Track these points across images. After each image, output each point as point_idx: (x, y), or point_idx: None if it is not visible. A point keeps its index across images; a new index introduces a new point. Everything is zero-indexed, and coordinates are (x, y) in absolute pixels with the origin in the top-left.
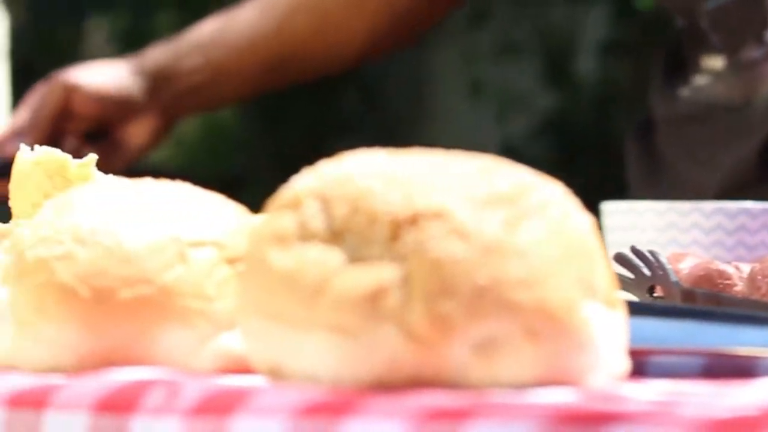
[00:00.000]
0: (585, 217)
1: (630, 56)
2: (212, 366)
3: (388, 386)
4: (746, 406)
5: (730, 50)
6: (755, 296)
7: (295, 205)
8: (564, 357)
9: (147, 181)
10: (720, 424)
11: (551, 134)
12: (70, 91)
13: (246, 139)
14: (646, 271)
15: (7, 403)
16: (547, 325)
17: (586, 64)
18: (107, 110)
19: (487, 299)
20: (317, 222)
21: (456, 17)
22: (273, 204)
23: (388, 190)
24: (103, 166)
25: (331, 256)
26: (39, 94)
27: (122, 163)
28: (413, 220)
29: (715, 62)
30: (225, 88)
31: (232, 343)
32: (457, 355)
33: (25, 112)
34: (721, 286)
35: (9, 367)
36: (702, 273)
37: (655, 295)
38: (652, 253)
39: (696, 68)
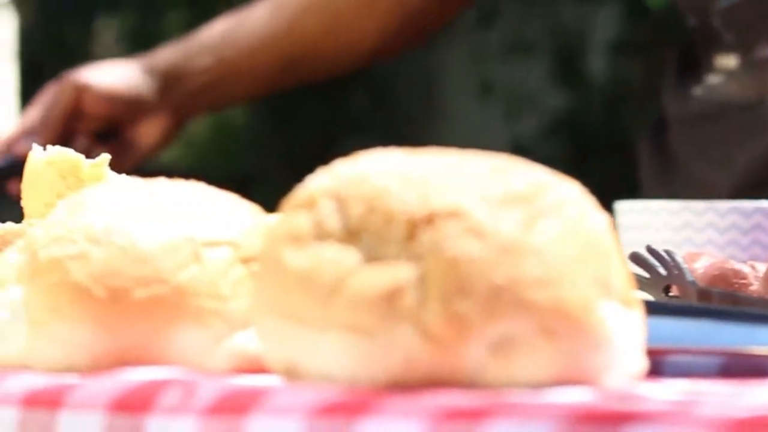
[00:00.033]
0: (601, 216)
1: (641, 55)
2: (227, 366)
3: (404, 386)
4: (765, 405)
5: (743, 49)
6: None
7: (310, 204)
8: (581, 356)
9: (161, 181)
10: (739, 424)
11: (561, 134)
12: (81, 90)
13: (256, 138)
14: (662, 271)
15: (21, 402)
16: (564, 325)
17: (597, 63)
18: (118, 110)
19: (503, 298)
20: (333, 221)
21: (465, 16)
22: (288, 204)
23: (404, 190)
24: (114, 166)
25: (347, 256)
26: (50, 94)
27: (133, 162)
28: (429, 220)
29: (728, 61)
30: (236, 88)
31: (247, 342)
32: (474, 354)
33: (35, 112)
34: (736, 285)
35: (22, 367)
36: (717, 272)
37: (670, 294)
38: (667, 252)
39: (709, 67)
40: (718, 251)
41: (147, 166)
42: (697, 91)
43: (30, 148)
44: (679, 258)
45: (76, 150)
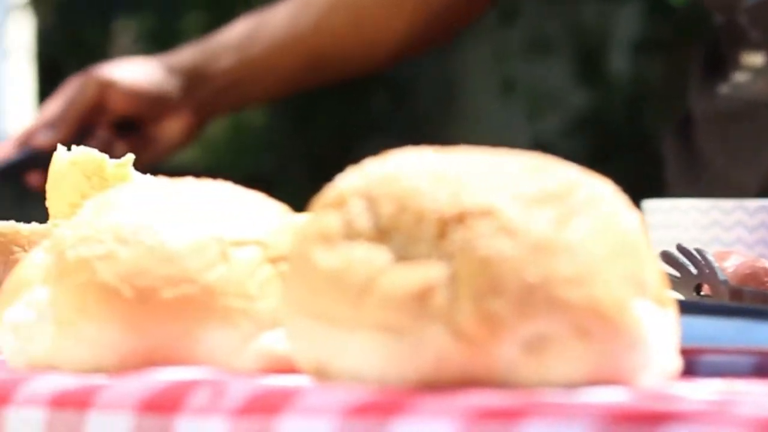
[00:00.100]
0: (634, 214)
1: (663, 53)
2: (255, 366)
3: (436, 386)
4: None
5: None
6: None
7: (340, 204)
8: (615, 356)
9: (187, 181)
10: None
11: (583, 132)
12: (105, 86)
13: (274, 139)
14: (693, 270)
15: (48, 403)
16: (598, 324)
17: (619, 62)
18: (141, 107)
19: (536, 297)
20: (363, 221)
21: (486, 15)
22: (317, 203)
23: (435, 189)
24: (134, 161)
25: (378, 255)
26: (73, 87)
27: (152, 159)
28: (461, 219)
29: (755, 59)
30: (259, 88)
31: (275, 342)
32: (506, 354)
33: (55, 104)
34: None
35: (49, 368)
36: (748, 271)
37: (702, 293)
38: (698, 251)
39: (735, 65)
40: (747, 250)
41: (165, 166)
42: (724, 89)
43: (49, 141)
44: (710, 257)
45: (97, 143)
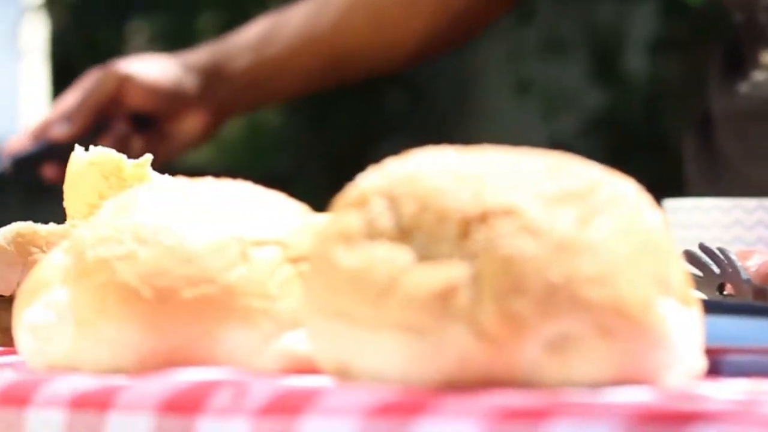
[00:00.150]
0: (657, 212)
1: (680, 52)
2: (275, 366)
3: (459, 386)
4: None
5: None
6: None
7: (361, 203)
8: (639, 355)
9: (207, 181)
10: None
11: (600, 132)
12: (123, 80)
13: (290, 139)
14: (716, 269)
15: (68, 404)
16: (622, 323)
17: (635, 61)
18: (158, 103)
19: (559, 297)
20: (385, 220)
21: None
22: (339, 202)
23: (457, 188)
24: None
25: (400, 255)
26: (90, 80)
27: (168, 156)
28: (483, 218)
29: None
30: (276, 87)
31: (296, 343)
32: (530, 353)
33: (73, 96)
34: None
35: (69, 368)
36: None
37: (725, 293)
38: (721, 250)
39: (755, 64)
40: None
41: (181, 166)
42: (743, 87)
43: (64, 133)
44: (733, 256)
45: (113, 138)
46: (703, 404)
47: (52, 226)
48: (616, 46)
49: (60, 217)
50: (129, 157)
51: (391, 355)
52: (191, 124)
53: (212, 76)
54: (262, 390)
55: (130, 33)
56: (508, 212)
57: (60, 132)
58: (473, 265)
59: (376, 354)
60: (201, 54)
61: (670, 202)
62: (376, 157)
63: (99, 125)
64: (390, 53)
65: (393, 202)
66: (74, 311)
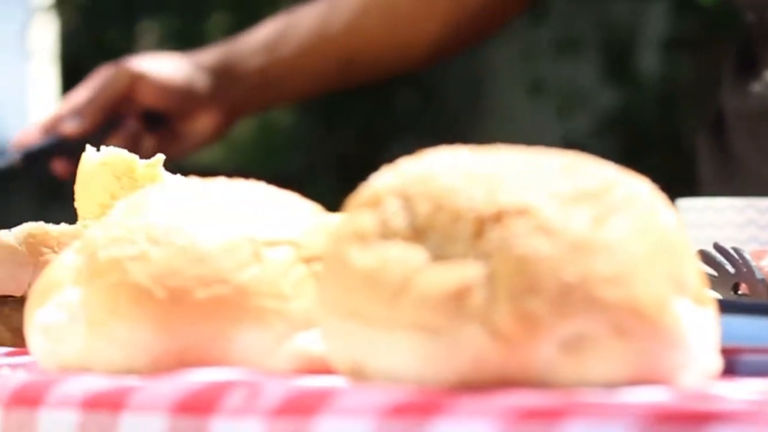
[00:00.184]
0: (671, 212)
1: (693, 52)
2: (288, 366)
3: (474, 386)
4: None
5: None
6: None
7: (375, 203)
8: (655, 355)
9: (219, 181)
10: None
11: (613, 132)
12: (135, 78)
13: (301, 139)
14: (730, 269)
15: (81, 405)
16: (637, 323)
17: (649, 60)
18: (170, 101)
19: (574, 297)
20: (399, 220)
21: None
22: (352, 202)
23: (471, 187)
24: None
25: (414, 255)
26: (102, 77)
27: (178, 154)
28: (497, 218)
29: None
30: (289, 87)
31: (309, 343)
32: (544, 353)
33: (84, 92)
34: None
35: (81, 369)
36: None
37: (739, 292)
38: (735, 249)
39: (767, 63)
40: None
41: (192, 166)
42: (756, 87)
43: (75, 129)
44: (747, 255)
45: (124, 135)
46: (719, 404)
47: (63, 227)
48: (629, 45)
49: (71, 216)
50: (140, 155)
51: (405, 355)
52: (202, 123)
53: (224, 76)
54: (275, 390)
55: (140, 34)
56: (522, 212)
57: (70, 127)
58: (488, 264)
59: (391, 354)
60: (213, 53)
61: (683, 202)
62: (388, 157)
63: (110, 122)
64: (403, 54)
65: (407, 201)
66: (86, 312)
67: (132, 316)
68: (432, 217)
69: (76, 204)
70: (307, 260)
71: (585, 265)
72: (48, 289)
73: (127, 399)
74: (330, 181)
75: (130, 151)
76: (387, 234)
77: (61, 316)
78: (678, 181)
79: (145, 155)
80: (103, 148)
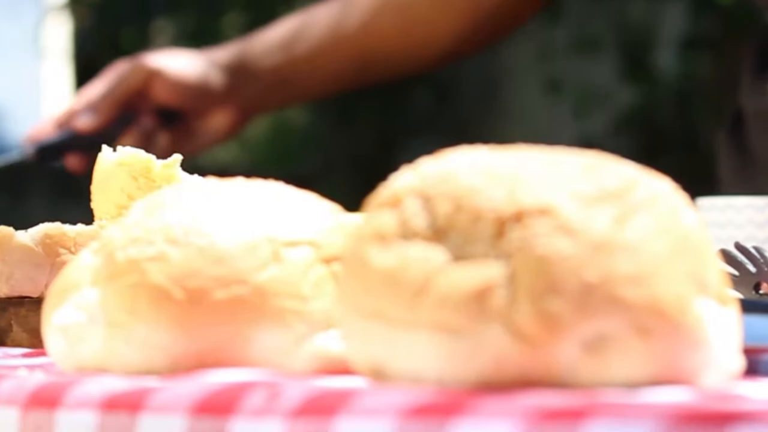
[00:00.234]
0: (693, 211)
1: (711, 51)
2: (308, 367)
3: (495, 386)
4: None
5: None
6: None
7: (395, 203)
8: (677, 355)
9: (237, 181)
10: None
11: (631, 131)
12: (151, 74)
13: (316, 139)
14: (752, 268)
15: (100, 406)
16: (659, 323)
17: (666, 59)
18: (185, 98)
19: (596, 296)
20: (419, 220)
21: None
22: (372, 202)
23: (491, 187)
24: (174, 151)
25: (434, 255)
26: (118, 72)
27: (192, 151)
28: (518, 217)
29: None
30: (304, 86)
31: (329, 343)
32: (566, 354)
33: (99, 87)
34: None
35: (99, 370)
36: None
37: (761, 292)
38: (756, 249)
39: None
40: None
41: (207, 165)
42: None
43: (89, 124)
44: None
45: (138, 131)
46: (741, 404)
47: (80, 227)
48: (646, 44)
49: (85, 213)
50: (153, 152)
51: (426, 356)
52: (217, 120)
53: (239, 74)
54: (295, 391)
55: (154, 33)
56: (543, 212)
57: (84, 122)
58: (509, 264)
59: (411, 354)
60: (228, 51)
61: (703, 201)
62: (403, 157)
63: (124, 118)
64: (418, 54)
65: (427, 202)
66: (105, 312)
67: (150, 317)
68: (452, 217)
69: (93, 204)
70: (327, 260)
71: (606, 265)
72: (66, 290)
73: (146, 400)
74: (345, 181)
75: (144, 147)
76: (407, 234)
77: (79, 317)
78: (696, 180)
79: (159, 152)
80: (119, 148)
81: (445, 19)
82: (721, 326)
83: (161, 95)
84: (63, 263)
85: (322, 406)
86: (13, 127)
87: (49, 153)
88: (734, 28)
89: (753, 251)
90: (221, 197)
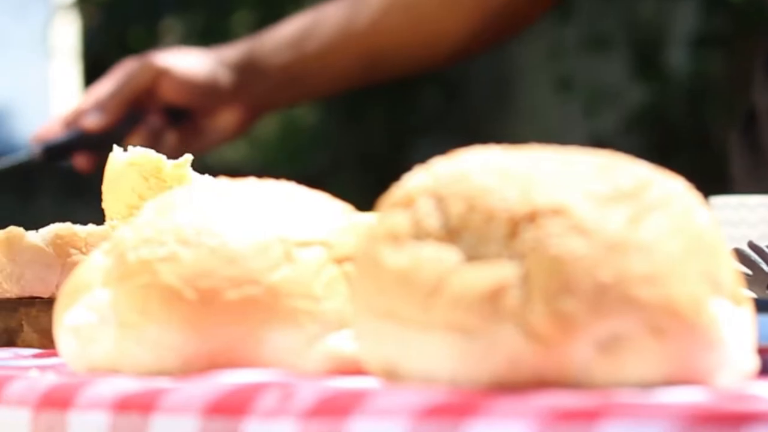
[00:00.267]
0: (707, 211)
1: (722, 48)
2: (320, 367)
3: (509, 387)
4: None
5: None
6: None
7: (407, 203)
8: (692, 355)
9: (249, 181)
10: None
11: (642, 129)
12: (159, 73)
13: (325, 137)
14: (765, 267)
15: (112, 407)
16: (674, 323)
17: (677, 57)
18: (192, 97)
19: (610, 296)
20: (432, 220)
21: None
22: (385, 202)
23: (505, 187)
24: (182, 150)
25: (447, 255)
26: (125, 71)
27: (200, 149)
28: (532, 217)
29: None
30: (313, 84)
31: (341, 343)
32: (580, 354)
33: (106, 86)
34: None
35: (111, 370)
36: None
37: None
38: None
39: None
40: None
41: (216, 164)
42: None
43: (96, 123)
44: None
45: (146, 130)
46: (756, 404)
47: (91, 227)
48: (657, 42)
49: (94, 213)
50: (161, 150)
51: (439, 356)
52: (225, 119)
53: (248, 72)
54: (308, 391)
55: (163, 31)
56: (557, 211)
57: (92, 121)
58: (522, 265)
59: (424, 355)
60: (237, 49)
61: (716, 200)
62: (412, 156)
63: (132, 116)
64: (428, 52)
65: (440, 202)
66: (116, 313)
67: (162, 318)
68: (465, 218)
69: (104, 204)
70: (339, 260)
71: (620, 265)
72: (77, 291)
73: (158, 401)
74: (353, 179)
75: (152, 146)
76: (420, 234)
77: (90, 318)
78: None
79: (167, 150)
80: (130, 147)
81: (453, 18)
82: (736, 326)
83: (169, 94)
84: (74, 263)
85: (336, 407)
86: (22, 126)
87: (56, 153)
88: (746, 25)
89: (766, 250)
90: (233, 197)
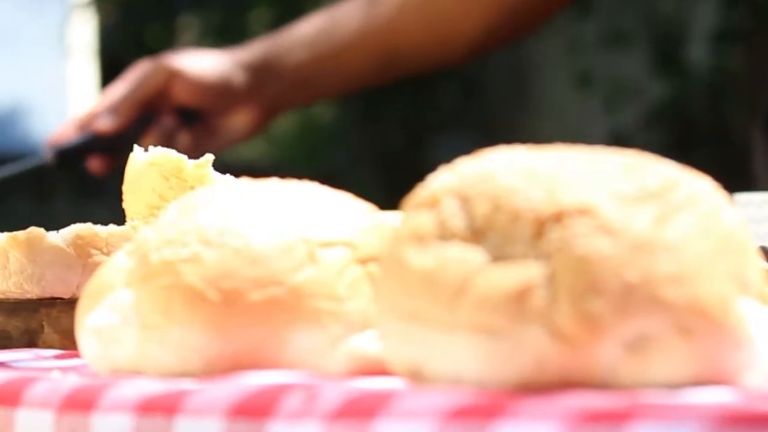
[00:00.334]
0: (734, 210)
1: (743, 43)
2: (344, 368)
3: (536, 388)
4: None
5: None
6: None
7: (432, 203)
8: (719, 355)
9: (271, 181)
10: None
11: (662, 124)
12: (172, 74)
13: (343, 135)
14: None
15: (136, 409)
16: (701, 323)
17: (698, 52)
18: (205, 98)
19: (636, 297)
20: (457, 220)
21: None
22: (410, 203)
23: (530, 187)
24: (196, 151)
25: (473, 255)
26: (139, 73)
27: (215, 150)
28: (558, 218)
29: None
30: (329, 83)
31: (365, 344)
32: (607, 354)
33: (120, 88)
34: None
35: (134, 372)
36: None
37: None
38: None
39: None
40: None
41: (234, 162)
42: None
43: (110, 126)
44: None
45: (160, 131)
46: None
47: (111, 228)
48: (678, 37)
49: (108, 215)
50: (175, 151)
51: (465, 357)
52: (239, 119)
53: (263, 72)
54: (333, 393)
55: (180, 29)
56: (583, 211)
57: (106, 124)
58: (548, 265)
59: (450, 356)
60: (252, 50)
61: (739, 197)
62: (430, 153)
63: (145, 118)
64: (445, 49)
65: (465, 202)
66: (139, 314)
67: (185, 319)
68: (491, 218)
69: (124, 204)
70: (363, 261)
71: (647, 265)
72: (99, 292)
73: (182, 402)
74: (371, 176)
75: (165, 146)
76: (445, 235)
77: (113, 319)
78: (730, 174)
79: (181, 151)
80: (150, 148)
81: (469, 15)
82: (763, 325)
83: (181, 95)
84: (95, 264)
85: (361, 408)
86: (39, 123)
87: (69, 156)
88: (766, 20)
89: None
90: (255, 198)
